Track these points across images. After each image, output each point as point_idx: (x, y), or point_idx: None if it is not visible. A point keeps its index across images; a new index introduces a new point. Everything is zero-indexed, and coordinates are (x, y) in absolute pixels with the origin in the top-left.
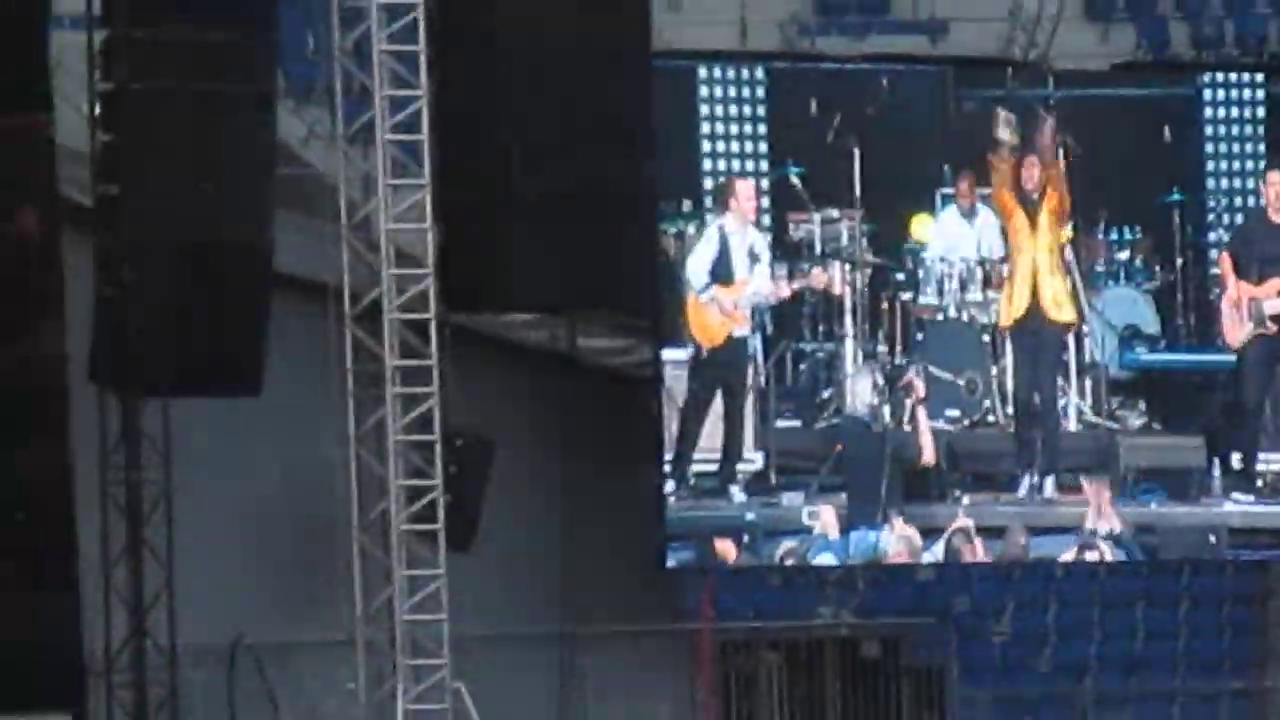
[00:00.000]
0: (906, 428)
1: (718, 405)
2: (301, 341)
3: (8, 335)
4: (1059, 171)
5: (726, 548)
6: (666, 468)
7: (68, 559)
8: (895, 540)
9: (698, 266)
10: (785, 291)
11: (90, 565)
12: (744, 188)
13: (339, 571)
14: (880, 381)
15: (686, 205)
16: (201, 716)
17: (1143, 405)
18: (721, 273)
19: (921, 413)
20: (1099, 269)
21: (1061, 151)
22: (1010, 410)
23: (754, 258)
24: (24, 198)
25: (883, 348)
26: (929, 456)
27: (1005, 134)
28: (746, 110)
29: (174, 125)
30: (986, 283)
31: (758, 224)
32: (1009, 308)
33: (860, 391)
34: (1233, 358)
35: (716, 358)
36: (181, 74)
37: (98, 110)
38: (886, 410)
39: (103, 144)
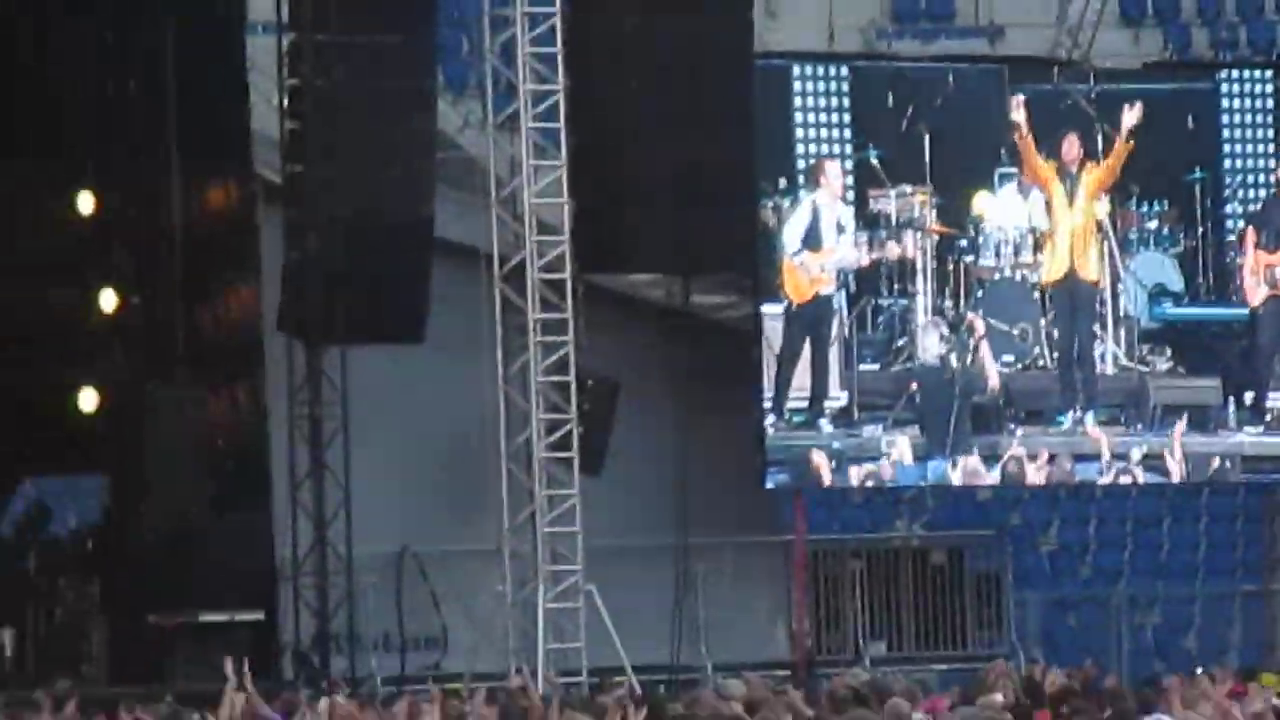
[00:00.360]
0: (972, 366)
1: (807, 352)
2: (458, 297)
3: (212, 293)
4: (1117, 156)
5: (817, 471)
6: (765, 404)
7: (261, 481)
8: (961, 466)
9: (791, 235)
10: (865, 260)
11: (280, 486)
12: (832, 167)
13: (489, 492)
14: (946, 332)
15: (782, 183)
16: (374, 614)
17: (1169, 352)
18: (811, 240)
19: (985, 345)
20: (1132, 235)
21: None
22: (1055, 356)
23: (840, 229)
24: (221, 176)
25: (948, 303)
26: (994, 383)
27: (1019, 115)
28: (833, 102)
29: (349, 115)
30: (1036, 248)
31: (844, 199)
32: (1050, 269)
33: (929, 343)
34: (1245, 312)
35: (806, 312)
36: (355, 72)
37: (285, 102)
38: (954, 357)
39: (289, 131)
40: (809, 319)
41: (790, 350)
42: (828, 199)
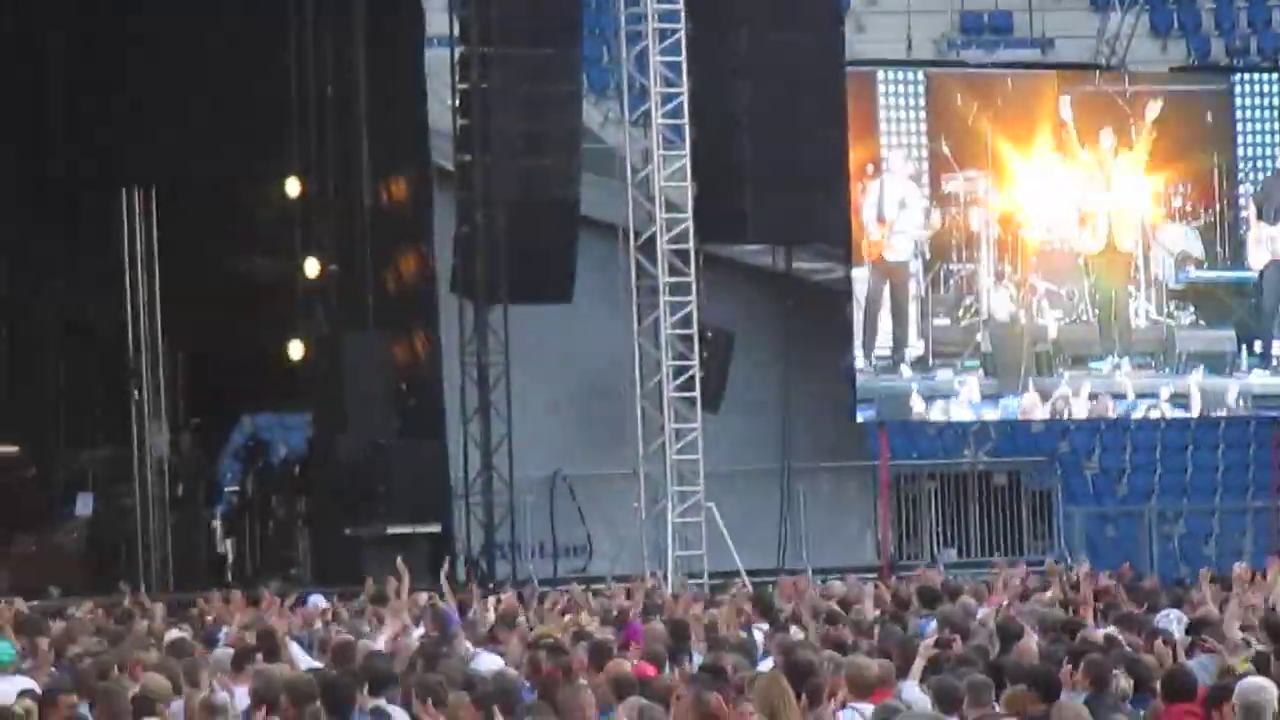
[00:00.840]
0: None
1: (888, 308)
2: (600, 265)
3: (396, 261)
4: (1145, 144)
5: (900, 407)
6: (856, 351)
7: (437, 416)
8: (1020, 403)
9: (869, 212)
10: (924, 232)
11: (453, 421)
12: (896, 155)
13: (626, 425)
14: (1014, 292)
15: (869, 169)
16: (531, 528)
17: (1191, 308)
18: (882, 214)
19: (1044, 303)
20: (1160, 212)
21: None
22: (1096, 312)
23: (903, 205)
24: (402, 164)
25: (1008, 268)
26: (1052, 334)
27: (1066, 114)
28: (911, 101)
29: (509, 114)
30: (1081, 221)
31: (916, 181)
32: (1091, 242)
33: (1000, 301)
34: (1255, 275)
35: (881, 274)
36: (514, 78)
37: (457, 103)
38: (1021, 313)
39: (460, 127)
40: (885, 280)
41: (874, 306)
42: (892, 181)
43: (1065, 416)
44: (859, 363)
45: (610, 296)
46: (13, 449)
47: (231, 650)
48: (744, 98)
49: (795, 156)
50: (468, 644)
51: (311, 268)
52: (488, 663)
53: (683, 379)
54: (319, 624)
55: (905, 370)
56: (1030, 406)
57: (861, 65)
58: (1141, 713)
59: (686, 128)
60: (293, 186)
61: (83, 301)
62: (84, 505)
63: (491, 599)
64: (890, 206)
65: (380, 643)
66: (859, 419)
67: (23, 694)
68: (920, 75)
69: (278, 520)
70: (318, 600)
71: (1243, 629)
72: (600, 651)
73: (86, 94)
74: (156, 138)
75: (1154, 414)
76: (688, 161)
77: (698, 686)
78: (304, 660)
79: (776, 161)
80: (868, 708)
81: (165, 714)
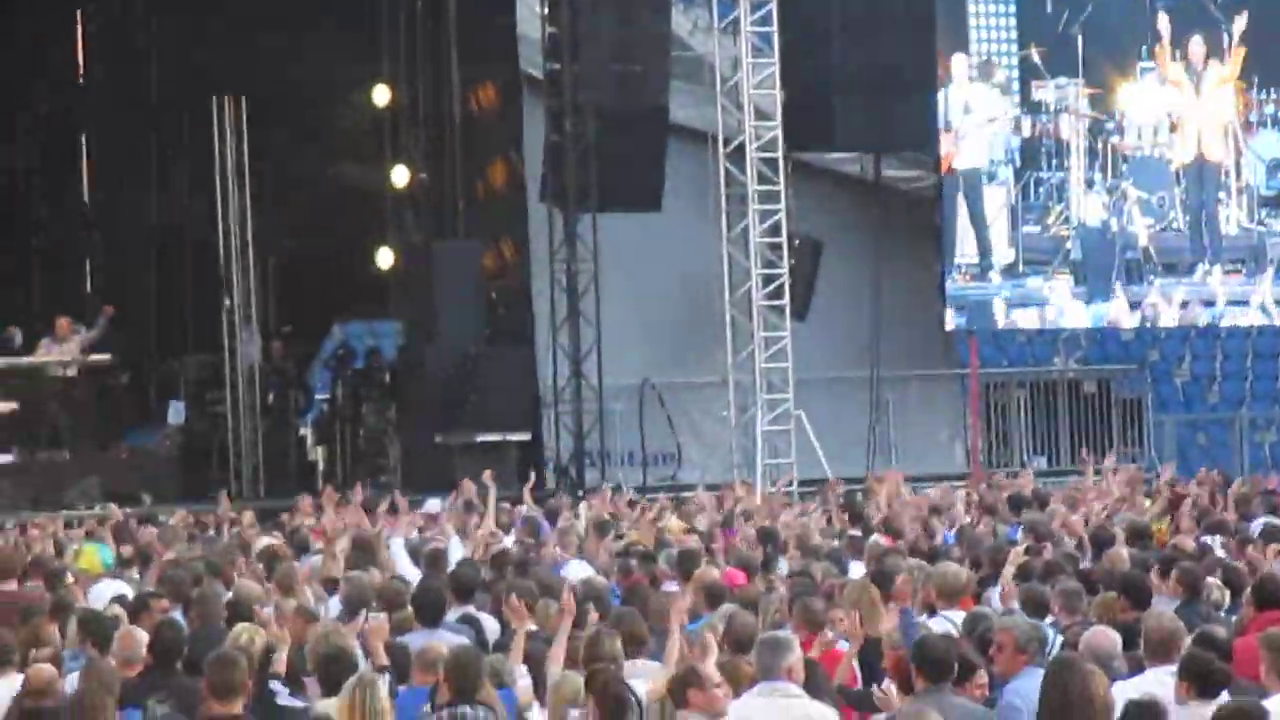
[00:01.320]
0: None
1: (979, 213)
2: (689, 172)
3: (485, 169)
4: (1234, 56)
5: (989, 315)
6: (945, 259)
7: (526, 324)
8: (1112, 309)
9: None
10: (998, 139)
11: (542, 329)
12: (958, 61)
13: (716, 333)
14: (1106, 199)
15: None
16: (620, 435)
17: None
18: (948, 122)
19: (1136, 210)
20: (1252, 118)
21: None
22: (1187, 219)
23: (967, 110)
24: (491, 72)
25: (1098, 175)
26: (1144, 241)
27: (1162, 25)
28: (1001, 8)
29: (599, 21)
30: (1172, 129)
31: (1007, 90)
32: (1181, 150)
33: (1092, 207)
34: None
35: (970, 181)
36: None
37: (546, 11)
38: (1113, 221)
39: (549, 35)
40: (973, 187)
41: (953, 214)
42: (955, 89)
43: (1155, 324)
44: (948, 269)
45: (699, 204)
46: (105, 356)
47: (322, 556)
48: (833, 4)
49: (884, 64)
50: (558, 551)
51: (401, 176)
52: (577, 570)
53: (771, 287)
54: (414, 531)
55: (995, 278)
56: (1119, 314)
57: None
58: (1234, 619)
59: (775, 35)
60: (382, 95)
61: (175, 210)
62: (176, 413)
63: (582, 506)
64: (955, 113)
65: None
66: (948, 327)
67: (115, 599)
68: None
69: (368, 428)
70: (434, 504)
71: None
72: (689, 559)
73: (179, 4)
74: (248, 47)
75: (1244, 321)
76: (776, 69)
77: (799, 594)
78: (406, 566)
79: (865, 69)
80: (958, 614)
81: (258, 619)
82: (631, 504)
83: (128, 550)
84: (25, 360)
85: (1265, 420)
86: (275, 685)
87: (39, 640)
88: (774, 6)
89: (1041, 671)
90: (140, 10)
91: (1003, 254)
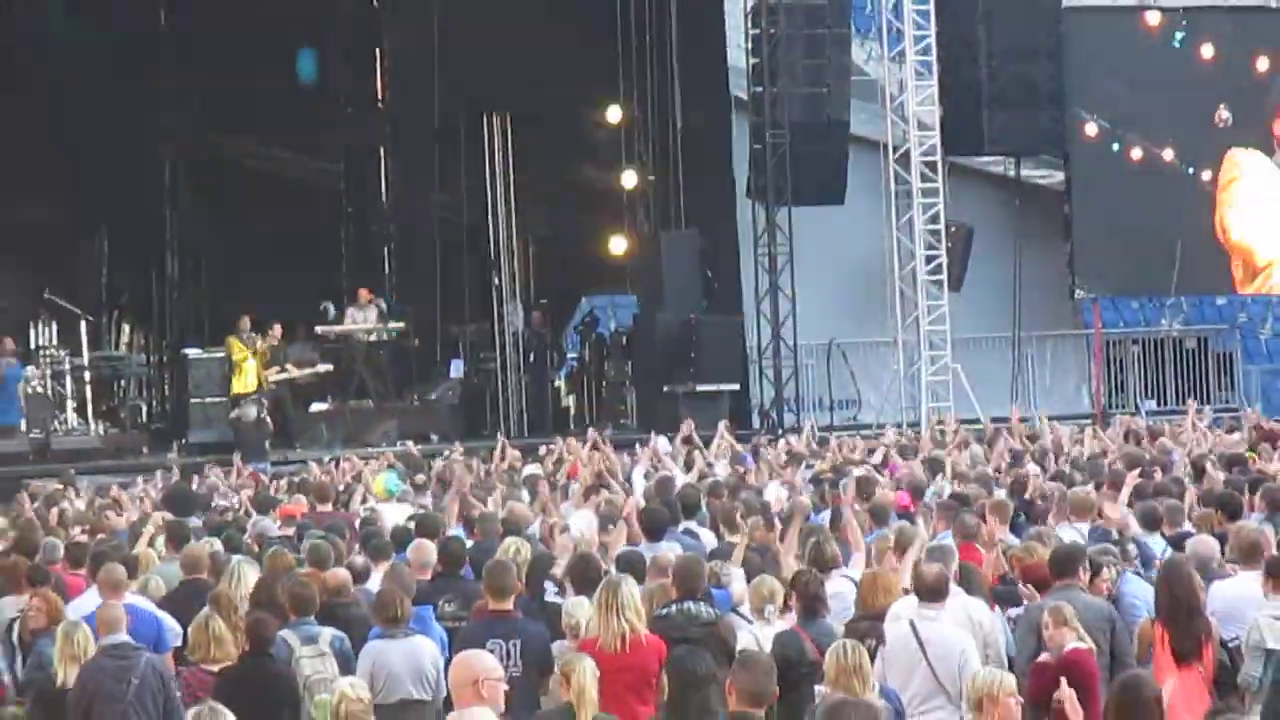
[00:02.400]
0: None
1: None
2: (865, 173)
3: (702, 173)
4: None
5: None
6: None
7: (736, 297)
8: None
9: None
10: None
11: (749, 301)
12: None
13: (888, 302)
14: None
15: None
16: (811, 385)
17: None
18: None
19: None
20: None
21: None
22: None
23: None
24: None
25: None
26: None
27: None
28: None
29: (793, 53)
30: None
31: None
32: None
33: None
34: None
35: None
36: (796, 24)
37: (750, 45)
38: None
39: (753, 64)
40: None
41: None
42: None
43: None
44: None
45: (874, 199)
46: (400, 324)
47: (577, 483)
48: (980, 36)
49: (1023, 83)
50: (763, 477)
51: (631, 179)
52: (774, 492)
53: (932, 265)
54: (648, 463)
55: None
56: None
57: (1075, 12)
58: None
59: (933, 62)
60: (615, 113)
61: (454, 207)
62: (456, 369)
63: (780, 442)
64: None
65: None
66: (1076, 295)
67: (410, 519)
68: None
69: (609, 381)
70: (663, 442)
71: None
72: (867, 484)
73: (457, 42)
74: (510, 74)
75: None
76: (935, 89)
77: (954, 511)
78: (641, 491)
79: (1008, 87)
80: (1084, 525)
81: (525, 534)
82: (822, 441)
83: (420, 479)
84: (337, 328)
85: None
86: (548, 584)
87: (339, 553)
88: (932, 39)
89: (1139, 579)
90: (427, 48)
91: None
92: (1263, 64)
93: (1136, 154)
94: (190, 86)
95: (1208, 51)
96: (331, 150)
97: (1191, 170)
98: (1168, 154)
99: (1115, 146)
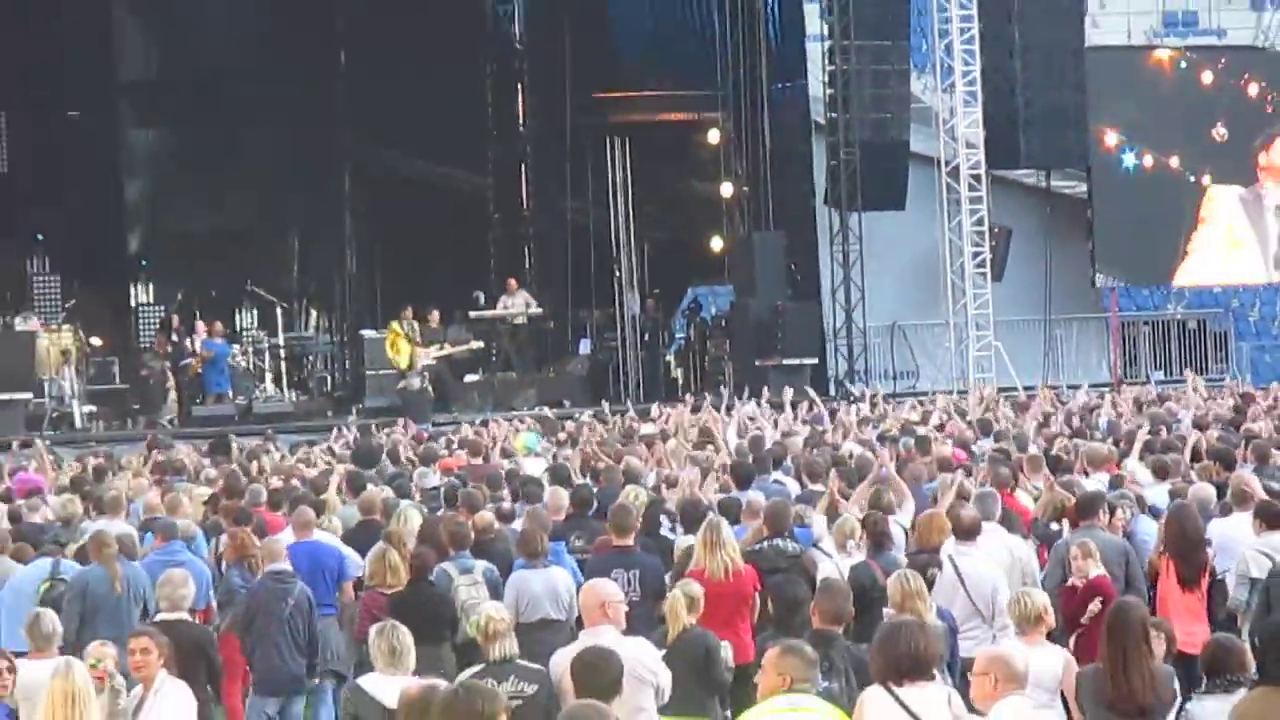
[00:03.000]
0: None
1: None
2: (922, 184)
3: (787, 182)
4: None
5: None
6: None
7: (815, 286)
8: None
9: None
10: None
11: (825, 289)
12: None
13: (942, 290)
14: None
15: None
16: (878, 360)
17: None
18: None
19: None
20: None
21: None
22: None
23: None
24: (790, 119)
25: None
26: None
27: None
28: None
29: (862, 85)
30: None
31: None
32: None
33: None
34: None
35: None
36: (863, 60)
37: (826, 79)
38: None
39: (829, 94)
40: None
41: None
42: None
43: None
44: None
45: (929, 206)
46: (539, 310)
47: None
48: (1016, 70)
49: (1052, 109)
50: (837, 437)
51: (728, 189)
52: (850, 448)
53: (978, 260)
54: (740, 423)
55: None
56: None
57: (1099, 50)
58: None
59: (978, 91)
60: (714, 135)
61: (584, 212)
62: (584, 347)
63: (853, 407)
64: None
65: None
66: (1096, 284)
67: (546, 470)
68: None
69: (711, 356)
70: (751, 407)
71: None
72: (925, 442)
73: (587, 76)
74: (629, 103)
75: None
76: (979, 114)
77: (999, 464)
78: (734, 446)
79: (1040, 113)
80: (1104, 476)
81: (641, 483)
82: (886, 405)
83: (555, 438)
84: (489, 313)
85: None
86: (663, 520)
87: (487, 498)
88: (977, 73)
89: (1148, 519)
90: (562, 78)
91: None
92: (1254, 89)
93: (1148, 161)
94: (365, 113)
95: (1207, 78)
96: (482, 166)
97: (1193, 177)
98: (1174, 161)
99: (1129, 155)
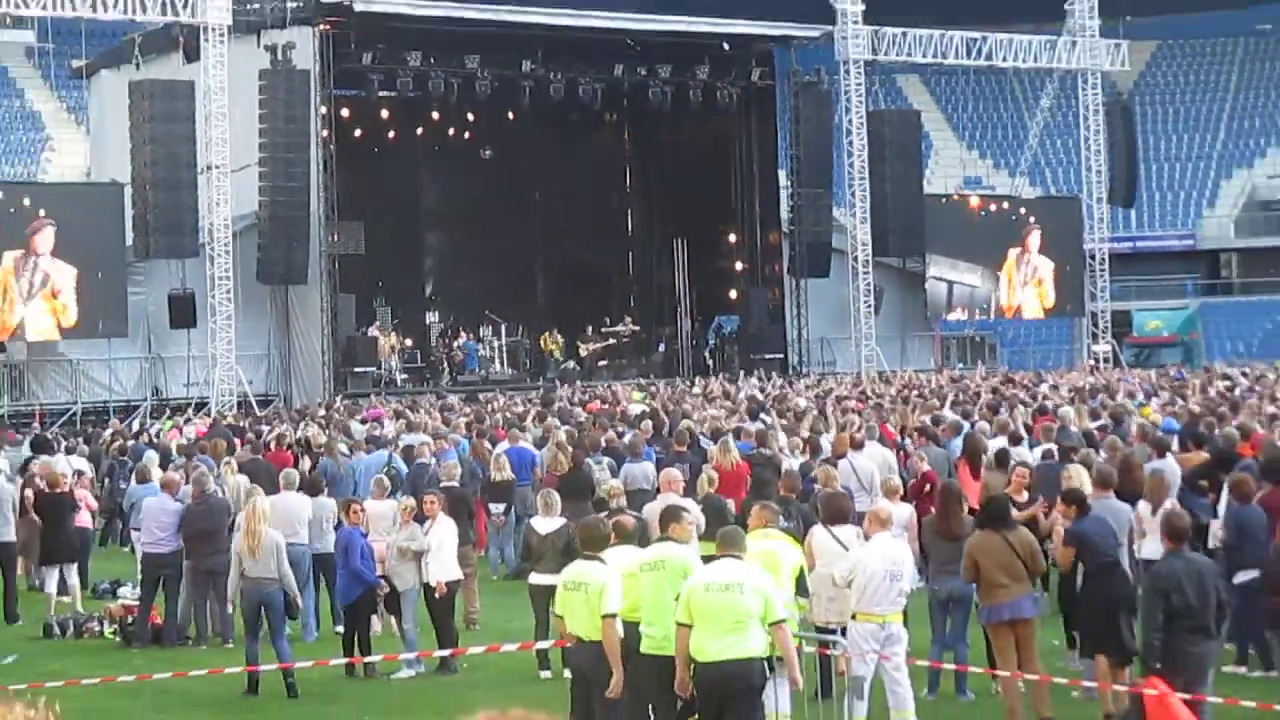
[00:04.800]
0: None
1: None
2: (838, 263)
3: (770, 265)
4: None
5: None
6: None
7: (781, 314)
8: None
9: None
10: None
11: (789, 318)
12: None
13: (849, 319)
14: None
15: None
16: (816, 357)
17: None
18: None
19: None
20: None
21: None
22: None
23: None
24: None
25: None
26: None
27: None
28: None
29: (806, 209)
30: None
31: None
32: None
33: None
34: None
35: None
36: (808, 200)
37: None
38: None
39: (790, 206)
40: None
41: None
42: None
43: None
44: None
45: (842, 274)
46: (637, 328)
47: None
48: (888, 203)
49: (906, 226)
50: (794, 396)
51: (738, 265)
52: (799, 402)
53: (866, 303)
54: (748, 389)
55: None
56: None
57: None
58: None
59: (867, 216)
60: (733, 237)
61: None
62: (662, 348)
63: (800, 381)
64: None
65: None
66: (928, 317)
67: (645, 410)
68: None
69: (727, 354)
70: (751, 381)
71: None
72: (839, 399)
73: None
74: (689, 206)
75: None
76: (868, 227)
77: (876, 408)
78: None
79: (897, 228)
80: (927, 416)
81: (691, 420)
82: (818, 379)
83: (650, 393)
84: (615, 328)
85: None
86: (701, 438)
87: (611, 424)
88: (867, 208)
89: (957, 440)
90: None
91: None
92: (1013, 216)
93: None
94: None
95: (990, 209)
96: (623, 252)
97: (983, 278)
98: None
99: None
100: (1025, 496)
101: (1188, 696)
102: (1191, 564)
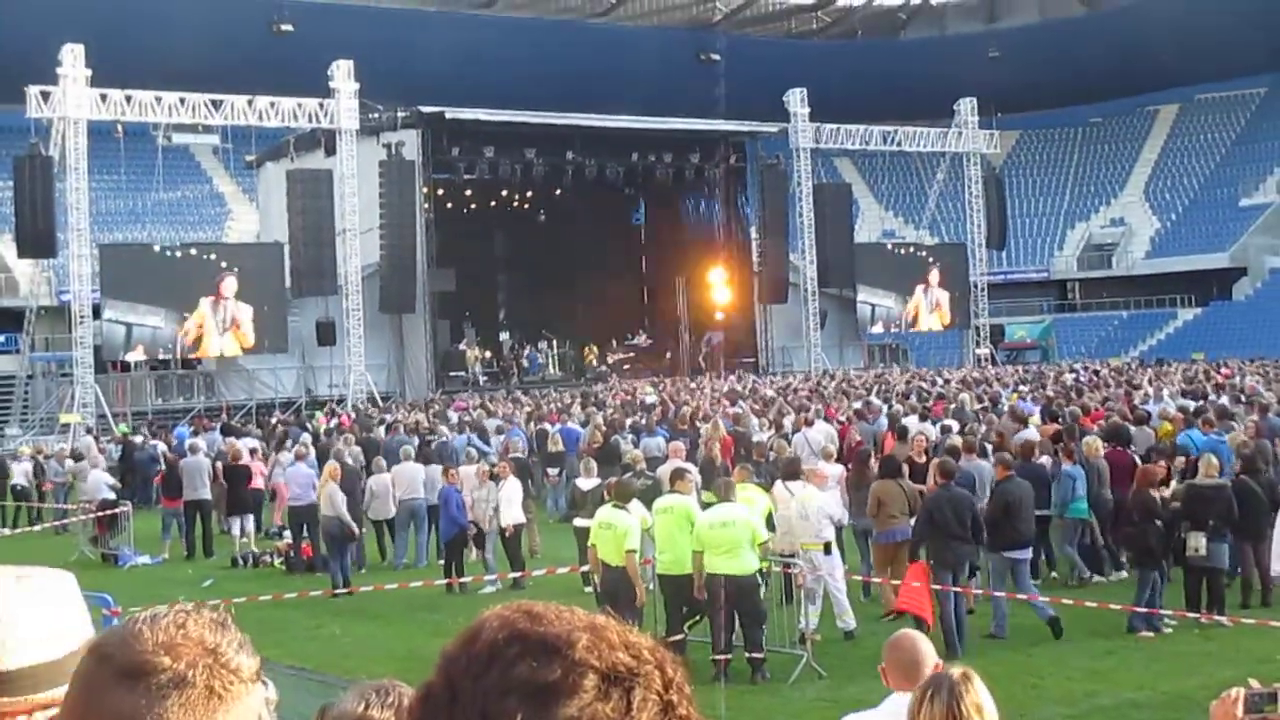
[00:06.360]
0: None
1: None
2: (794, 294)
3: (745, 296)
4: None
5: None
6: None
7: (752, 330)
8: None
9: None
10: None
11: (759, 332)
12: None
13: (802, 334)
14: None
15: None
16: (780, 362)
17: None
18: None
19: None
20: None
21: None
22: None
23: None
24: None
25: None
26: None
27: None
28: None
29: (767, 253)
30: None
31: None
32: None
33: None
34: None
35: None
36: (770, 248)
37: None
38: None
39: (757, 250)
40: None
41: None
42: None
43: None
44: None
45: (797, 303)
46: (651, 339)
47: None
48: (828, 248)
49: (838, 263)
50: (763, 389)
51: (724, 297)
52: (767, 393)
53: (815, 322)
54: (731, 385)
55: None
56: None
57: (860, 244)
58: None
59: (813, 256)
60: (719, 274)
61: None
62: (668, 355)
63: (767, 378)
64: None
65: None
66: (859, 332)
67: (656, 400)
68: None
69: (714, 358)
70: (732, 378)
71: None
72: (795, 391)
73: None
74: (687, 254)
75: None
76: (815, 267)
77: (820, 396)
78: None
79: (833, 266)
80: (857, 403)
81: (690, 406)
82: (781, 376)
83: (660, 387)
84: (632, 341)
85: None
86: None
87: (633, 410)
88: (813, 251)
89: (885, 418)
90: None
91: None
92: (930, 258)
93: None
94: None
95: (903, 252)
96: (638, 283)
97: (897, 302)
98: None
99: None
100: (924, 459)
101: (956, 589)
102: (954, 493)
